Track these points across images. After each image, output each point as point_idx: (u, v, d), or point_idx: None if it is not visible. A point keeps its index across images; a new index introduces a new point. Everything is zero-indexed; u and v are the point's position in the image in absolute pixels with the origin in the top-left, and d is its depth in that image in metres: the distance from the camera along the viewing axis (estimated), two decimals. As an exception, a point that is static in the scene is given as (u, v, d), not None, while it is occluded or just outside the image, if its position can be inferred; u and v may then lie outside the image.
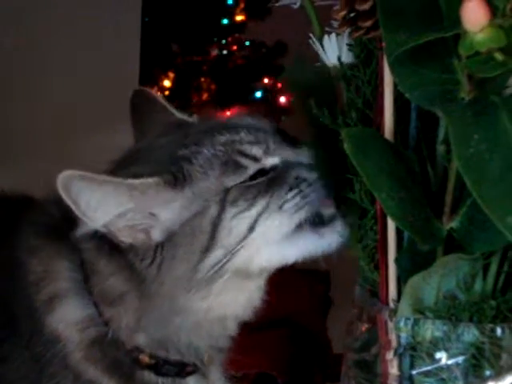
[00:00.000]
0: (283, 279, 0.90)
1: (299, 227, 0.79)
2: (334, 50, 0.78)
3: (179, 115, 0.90)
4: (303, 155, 0.81)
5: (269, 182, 0.80)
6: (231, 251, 0.78)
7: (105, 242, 0.79)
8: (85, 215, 0.76)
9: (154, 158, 0.82)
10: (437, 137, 0.70)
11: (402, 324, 0.72)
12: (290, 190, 0.79)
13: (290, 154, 0.81)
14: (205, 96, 2.33)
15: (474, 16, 0.57)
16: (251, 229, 0.78)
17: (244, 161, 0.79)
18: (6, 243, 0.85)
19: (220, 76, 2.33)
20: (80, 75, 2.12)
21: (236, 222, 0.78)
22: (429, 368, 0.71)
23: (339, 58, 0.78)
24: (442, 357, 0.70)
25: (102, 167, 0.84)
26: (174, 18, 2.33)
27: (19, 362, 0.81)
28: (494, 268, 0.70)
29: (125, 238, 0.78)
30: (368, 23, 0.68)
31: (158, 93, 2.36)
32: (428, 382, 0.71)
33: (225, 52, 2.36)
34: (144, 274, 0.79)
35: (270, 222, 0.78)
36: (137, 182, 0.77)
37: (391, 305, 0.73)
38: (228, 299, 0.80)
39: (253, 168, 0.80)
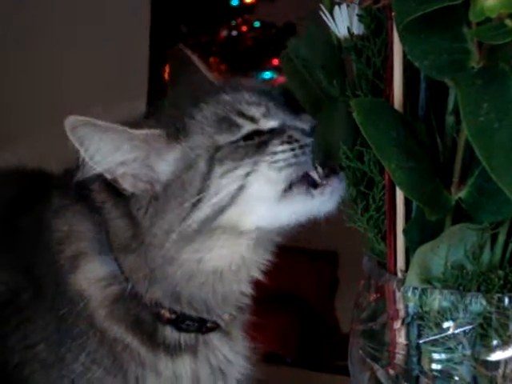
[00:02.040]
0: (291, 259, 0.90)
1: (291, 188, 0.80)
2: (344, 22, 0.78)
3: (210, 76, 0.92)
4: (304, 121, 0.81)
5: (260, 142, 0.81)
6: (221, 208, 0.79)
7: (110, 186, 0.82)
8: (90, 159, 0.78)
9: (166, 113, 0.84)
10: (446, 107, 0.70)
11: (409, 294, 0.72)
12: (281, 144, 0.80)
13: (289, 119, 0.82)
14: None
15: (485, -18, 0.57)
16: (241, 187, 0.79)
17: (239, 120, 0.81)
18: (32, 210, 0.87)
19: (229, 57, 2.33)
20: (89, 56, 2.12)
21: (225, 181, 0.79)
22: (436, 337, 0.71)
23: (349, 29, 0.78)
24: (449, 326, 0.71)
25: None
26: (184, -2, 2.33)
27: (43, 324, 0.82)
28: (502, 238, 0.70)
29: (127, 186, 0.81)
30: (378, -8, 0.69)
31: (167, 74, 2.36)
32: (435, 351, 0.72)
33: (234, 33, 2.35)
34: (140, 222, 0.81)
35: (260, 180, 0.79)
36: (139, 132, 0.80)
37: (399, 275, 0.73)
38: (220, 254, 0.82)
39: (247, 128, 0.81)
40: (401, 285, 0.72)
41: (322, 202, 0.80)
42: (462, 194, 0.69)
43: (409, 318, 0.73)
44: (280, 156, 0.80)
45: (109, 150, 0.79)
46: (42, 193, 0.87)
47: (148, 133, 0.81)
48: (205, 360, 0.87)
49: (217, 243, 0.81)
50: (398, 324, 0.73)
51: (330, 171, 0.80)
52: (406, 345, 0.73)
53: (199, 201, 0.79)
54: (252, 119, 0.81)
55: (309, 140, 0.80)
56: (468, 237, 0.70)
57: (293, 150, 0.80)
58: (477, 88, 0.62)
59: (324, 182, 0.80)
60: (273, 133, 0.81)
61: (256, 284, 0.88)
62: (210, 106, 0.82)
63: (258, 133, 0.81)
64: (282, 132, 0.81)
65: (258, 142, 0.80)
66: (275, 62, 2.35)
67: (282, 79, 2.28)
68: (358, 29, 0.77)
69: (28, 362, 0.83)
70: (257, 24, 2.38)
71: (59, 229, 0.84)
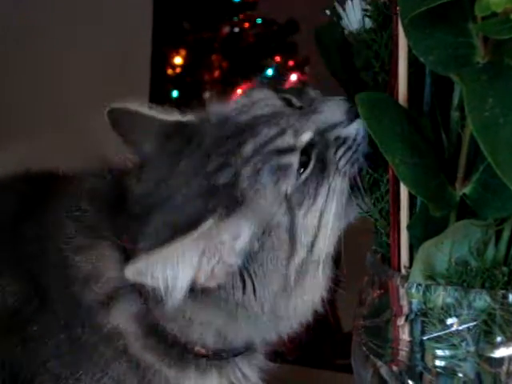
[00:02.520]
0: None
1: (351, 189, 0.78)
2: (356, 15, 0.78)
3: (170, 118, 0.82)
4: (328, 111, 0.77)
5: (316, 162, 0.77)
6: (311, 245, 0.77)
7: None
8: (169, 291, 0.74)
9: (189, 192, 0.77)
10: (451, 103, 0.70)
11: (413, 290, 0.72)
12: (338, 149, 0.77)
13: (316, 121, 0.78)
14: (216, 74, 2.33)
15: (491, -24, 0.56)
16: (321, 214, 0.77)
17: (284, 159, 0.76)
18: (40, 220, 0.83)
19: (231, 53, 2.33)
20: (91, 53, 2.12)
21: (309, 220, 0.77)
22: (440, 334, 0.71)
23: (364, 22, 0.77)
24: (453, 323, 0.70)
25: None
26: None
27: (54, 343, 0.79)
28: (506, 234, 0.70)
29: (208, 282, 0.76)
30: (383, -14, 0.69)
31: (170, 70, 2.36)
32: (439, 347, 0.71)
33: (236, 29, 2.35)
34: (240, 303, 0.77)
35: (334, 197, 0.77)
36: (197, 232, 0.73)
37: (403, 271, 0.73)
38: (314, 287, 0.80)
39: (295, 159, 0.76)
40: (404, 281, 0.72)
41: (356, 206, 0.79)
42: (467, 189, 0.69)
43: (412, 315, 0.73)
44: (342, 161, 0.77)
45: (183, 267, 0.73)
46: (52, 198, 0.84)
47: (205, 227, 0.74)
48: (227, 377, 0.85)
49: (312, 279, 0.79)
50: (401, 320, 0.73)
51: None
52: (410, 341, 0.73)
53: (293, 250, 0.77)
54: (291, 149, 0.76)
55: (353, 129, 0.77)
56: (472, 233, 0.70)
57: (350, 147, 0.77)
58: (482, 83, 0.62)
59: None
60: (316, 144, 0.77)
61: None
62: (244, 166, 0.76)
63: (302, 152, 0.77)
64: (323, 138, 0.77)
65: (314, 162, 0.77)
66: (277, 58, 2.35)
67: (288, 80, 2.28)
68: (366, 22, 0.77)
69: (39, 376, 0.81)
70: (259, 21, 2.38)
71: (82, 267, 0.79)
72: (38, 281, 0.81)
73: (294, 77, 2.31)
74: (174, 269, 0.73)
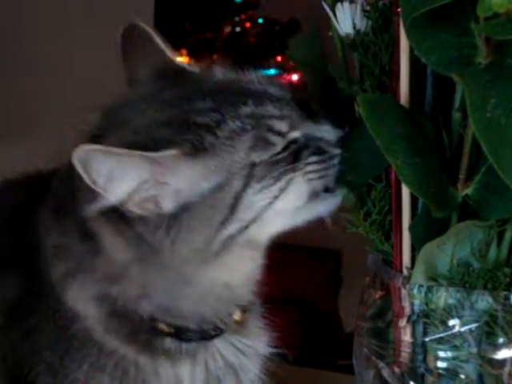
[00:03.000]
0: (294, 258, 0.89)
1: (312, 196, 0.79)
2: (347, 19, 0.78)
3: (177, 61, 0.84)
4: (327, 131, 0.79)
5: (290, 155, 0.78)
6: (246, 225, 0.77)
7: (114, 214, 0.77)
8: (104, 190, 0.74)
9: (162, 119, 0.77)
10: (453, 104, 0.70)
11: (415, 291, 0.72)
12: (312, 155, 0.78)
13: (312, 129, 0.79)
14: (218, 74, 2.33)
15: (493, -24, 0.56)
16: (271, 203, 0.77)
17: (272, 137, 0.77)
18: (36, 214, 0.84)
19: (233, 53, 2.33)
20: (91, 53, 2.12)
21: (258, 197, 0.77)
22: (442, 335, 0.71)
23: (354, 26, 0.77)
24: (455, 324, 0.70)
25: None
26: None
27: (47, 332, 0.81)
28: (508, 235, 0.70)
29: (135, 208, 0.76)
30: (384, -13, 0.68)
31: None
32: (441, 349, 0.71)
33: (238, 29, 2.35)
34: (156, 244, 0.77)
35: (290, 194, 0.77)
36: (157, 155, 0.74)
37: (405, 272, 0.73)
38: (235, 269, 0.80)
39: (280, 144, 0.77)
40: (406, 282, 0.72)
41: (331, 203, 0.79)
42: (469, 190, 0.69)
43: (414, 316, 0.73)
44: (312, 167, 0.78)
45: (126, 177, 0.74)
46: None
47: (165, 154, 0.75)
48: (203, 365, 0.85)
49: (234, 260, 0.79)
50: (403, 322, 0.73)
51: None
52: (412, 343, 0.73)
53: (229, 219, 0.76)
54: (282, 134, 0.78)
55: (337, 151, 0.78)
56: (474, 234, 0.69)
57: (323, 161, 0.78)
58: (484, 84, 0.62)
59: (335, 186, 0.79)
60: (298, 143, 0.79)
61: (259, 283, 0.87)
62: (234, 120, 0.76)
63: (288, 143, 0.78)
64: (309, 143, 0.79)
65: (288, 154, 0.78)
66: (279, 58, 2.35)
67: (286, 76, 2.28)
68: (361, 25, 0.77)
69: (35, 367, 0.82)
70: (260, 20, 2.38)
71: (50, 245, 0.81)
72: (36, 275, 0.82)
73: (295, 77, 2.31)
74: (116, 173, 0.73)
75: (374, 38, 0.76)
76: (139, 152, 0.74)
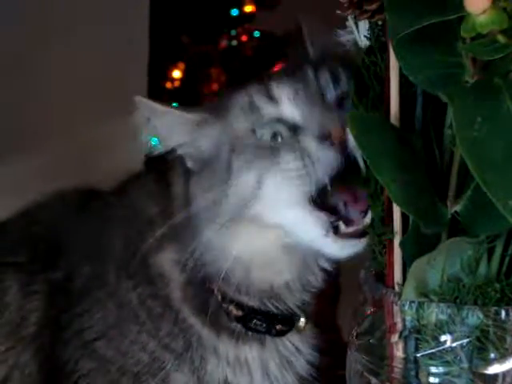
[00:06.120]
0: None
1: (312, 204, 0.80)
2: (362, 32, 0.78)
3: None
4: (324, 129, 0.79)
5: (281, 146, 0.80)
6: (244, 200, 0.80)
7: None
8: (163, 140, 0.84)
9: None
10: (445, 121, 0.71)
11: (406, 307, 0.72)
12: (294, 160, 0.79)
13: (313, 116, 0.80)
14: (215, 87, 2.33)
15: (477, -2, 0.57)
16: (258, 183, 0.80)
17: (259, 102, 0.81)
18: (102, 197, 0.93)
19: (230, 66, 2.33)
20: (87, 67, 2.13)
21: (245, 172, 0.80)
22: (433, 351, 0.71)
23: (356, 44, 0.78)
24: (446, 339, 0.71)
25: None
26: (184, 8, 2.33)
27: (101, 316, 0.85)
28: (498, 251, 0.70)
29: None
30: (373, 6, 0.69)
31: (168, 84, 2.37)
32: (433, 364, 0.71)
33: (234, 43, 2.36)
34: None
35: (273, 183, 0.80)
36: (191, 115, 0.84)
37: (396, 288, 0.73)
38: (247, 243, 0.82)
39: (265, 111, 0.80)
40: (398, 298, 0.73)
41: (338, 248, 0.81)
42: (458, 207, 0.70)
43: (406, 332, 0.73)
44: (291, 165, 0.80)
45: (167, 132, 0.84)
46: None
47: (198, 117, 0.84)
48: (274, 350, 0.87)
49: (245, 232, 0.81)
50: (395, 337, 0.73)
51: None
52: (404, 358, 0.73)
53: (228, 185, 0.81)
54: (274, 100, 0.81)
55: (322, 154, 0.79)
56: (464, 250, 0.70)
57: (306, 166, 0.79)
58: (471, 102, 0.62)
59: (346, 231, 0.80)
60: (291, 134, 0.80)
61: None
62: (245, 90, 0.83)
63: (274, 135, 0.81)
64: (297, 139, 0.80)
65: (272, 145, 0.80)
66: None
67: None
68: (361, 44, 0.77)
69: (84, 359, 0.84)
70: (257, 34, 2.39)
71: (150, 210, 0.88)
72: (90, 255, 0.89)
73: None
74: (167, 129, 0.84)
75: (374, 57, 0.76)
76: (181, 112, 0.85)
